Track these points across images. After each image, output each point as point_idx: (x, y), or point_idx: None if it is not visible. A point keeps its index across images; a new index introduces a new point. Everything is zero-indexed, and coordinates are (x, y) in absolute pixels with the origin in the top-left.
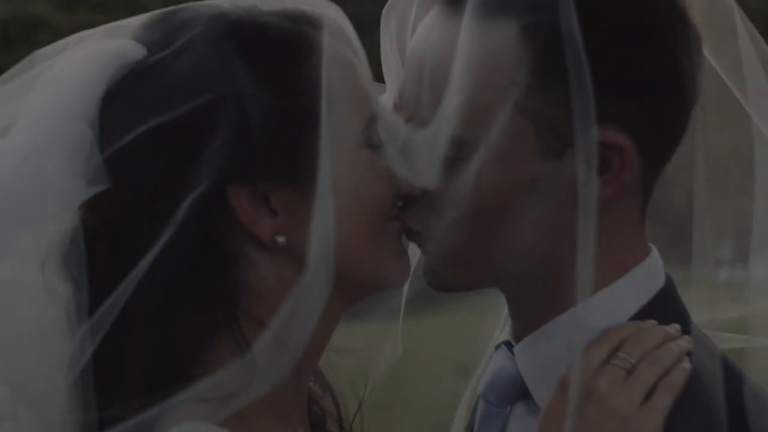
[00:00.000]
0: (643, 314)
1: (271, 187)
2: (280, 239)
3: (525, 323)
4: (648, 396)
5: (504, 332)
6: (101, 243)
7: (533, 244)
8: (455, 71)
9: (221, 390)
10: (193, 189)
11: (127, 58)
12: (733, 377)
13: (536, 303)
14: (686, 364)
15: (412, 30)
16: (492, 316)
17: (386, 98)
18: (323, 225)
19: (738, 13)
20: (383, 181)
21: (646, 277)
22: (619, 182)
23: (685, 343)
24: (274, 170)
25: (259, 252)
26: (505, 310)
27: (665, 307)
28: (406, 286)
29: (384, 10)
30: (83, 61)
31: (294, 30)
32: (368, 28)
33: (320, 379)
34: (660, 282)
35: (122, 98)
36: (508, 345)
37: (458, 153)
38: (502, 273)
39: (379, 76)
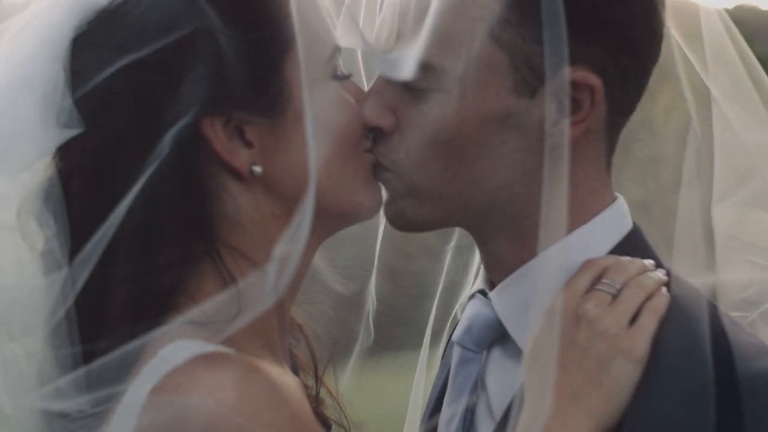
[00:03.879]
0: (615, 254)
1: (244, 117)
2: (257, 169)
3: (499, 267)
4: (633, 320)
5: (476, 283)
6: (79, 186)
7: (504, 181)
8: (436, 3)
9: (210, 316)
10: (168, 124)
11: (93, 3)
12: (710, 304)
13: (508, 245)
14: (665, 292)
15: None
16: None
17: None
18: (298, 155)
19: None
20: (350, 111)
21: (614, 221)
22: (587, 124)
23: (661, 274)
24: (244, 100)
25: (236, 183)
26: None
27: (635, 249)
28: None
29: None
30: (49, 6)
31: None
32: None
33: (299, 331)
34: (627, 226)
35: (91, 41)
36: (482, 293)
37: (432, 83)
38: (471, 210)
39: None
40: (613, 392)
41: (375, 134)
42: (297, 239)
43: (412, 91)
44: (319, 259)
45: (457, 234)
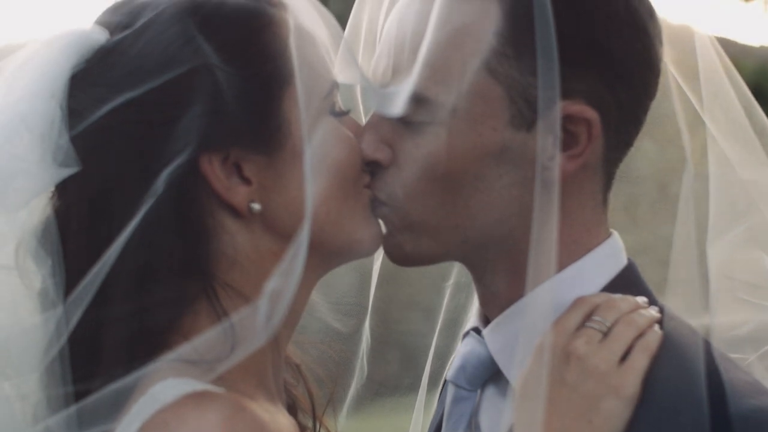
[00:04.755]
0: (608, 291)
1: (242, 154)
2: (255, 206)
3: (493, 302)
4: (624, 357)
5: (471, 321)
6: (75, 224)
7: (501, 215)
8: (430, 35)
9: (203, 354)
10: (165, 161)
11: (91, 41)
12: (704, 341)
13: (504, 280)
14: (658, 329)
15: (388, 9)
16: None
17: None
18: (297, 191)
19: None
20: (349, 147)
21: (609, 257)
22: (584, 158)
23: (654, 312)
24: (242, 137)
25: (235, 220)
26: None
27: (628, 285)
28: None
29: None
30: (47, 46)
31: (251, 4)
32: None
33: (296, 371)
34: (622, 263)
35: (88, 80)
36: (476, 331)
37: (428, 116)
38: (468, 244)
39: None
40: (603, 430)
41: (372, 168)
42: (290, 275)
43: (408, 124)
44: (315, 296)
45: (456, 271)
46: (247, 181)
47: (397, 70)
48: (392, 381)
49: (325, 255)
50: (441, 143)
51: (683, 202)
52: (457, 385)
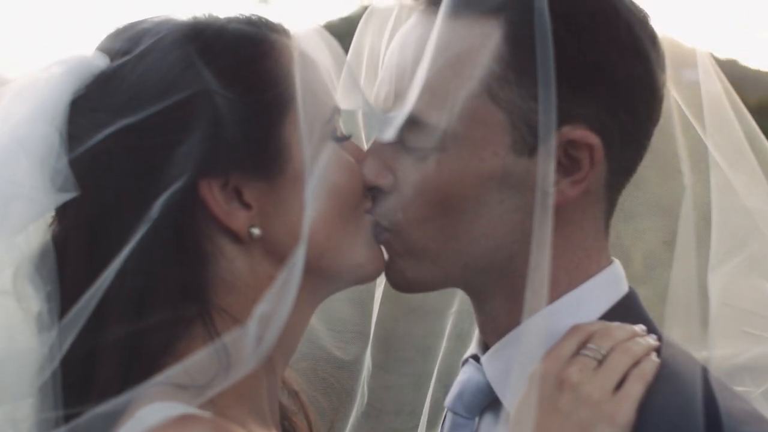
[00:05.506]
0: (607, 318)
1: (242, 179)
2: (255, 231)
3: (493, 329)
4: (619, 386)
5: (470, 348)
6: (74, 249)
7: (502, 241)
8: (431, 61)
9: (193, 378)
10: (164, 187)
11: (91, 67)
12: (702, 370)
13: (504, 306)
14: (655, 358)
15: (390, 36)
16: None
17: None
18: (297, 216)
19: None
20: (350, 172)
21: (609, 285)
22: (586, 183)
23: (651, 340)
24: (242, 162)
25: (234, 245)
26: None
27: (627, 313)
28: None
29: (363, 17)
30: (47, 71)
31: (253, 30)
32: None
33: (295, 398)
34: (623, 290)
35: (88, 105)
36: (475, 358)
37: (429, 142)
38: (470, 269)
39: None
40: None
41: (374, 194)
42: (284, 299)
43: (409, 150)
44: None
45: (458, 299)
46: (247, 206)
47: (399, 96)
48: (394, 408)
49: (325, 280)
50: (442, 168)
51: (683, 228)
52: (455, 413)
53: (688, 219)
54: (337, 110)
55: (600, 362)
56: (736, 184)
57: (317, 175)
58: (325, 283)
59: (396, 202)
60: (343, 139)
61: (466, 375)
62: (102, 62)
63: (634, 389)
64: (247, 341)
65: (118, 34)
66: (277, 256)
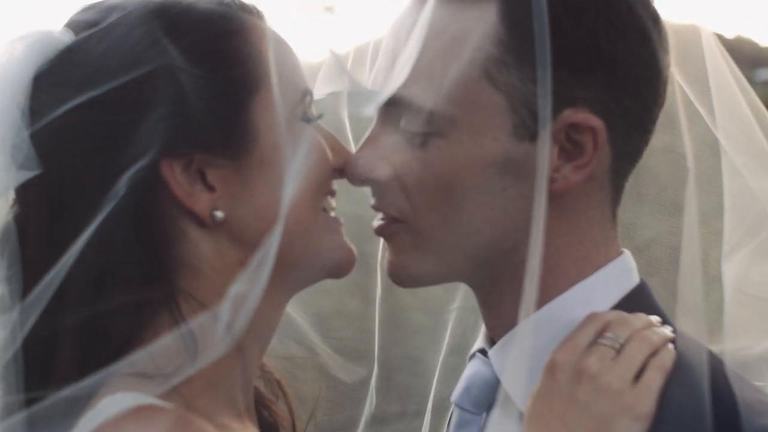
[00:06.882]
0: (618, 310)
1: (206, 160)
2: (219, 214)
3: (498, 322)
4: (638, 376)
5: (477, 342)
6: (34, 228)
7: (504, 229)
8: (428, 46)
9: (158, 366)
10: (126, 165)
11: (56, 42)
12: (716, 360)
13: (509, 298)
14: (672, 348)
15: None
16: None
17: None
18: (264, 199)
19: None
20: (319, 154)
21: (620, 275)
22: (590, 168)
23: (667, 330)
24: (207, 142)
25: (197, 228)
26: None
27: (639, 305)
28: None
29: None
30: (11, 45)
31: (222, 9)
32: None
33: (276, 387)
34: (633, 281)
35: (51, 80)
36: (482, 352)
37: (428, 128)
38: (473, 261)
39: None
40: None
41: (372, 186)
42: (255, 283)
43: (407, 138)
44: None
45: (462, 295)
46: (210, 187)
47: (395, 82)
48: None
49: (296, 268)
50: (442, 155)
51: (687, 212)
52: (462, 408)
53: (692, 206)
54: (308, 92)
55: (618, 351)
56: (746, 168)
57: (286, 157)
58: (296, 271)
59: (398, 191)
60: (313, 120)
61: (472, 369)
62: (67, 38)
63: (654, 379)
64: (216, 327)
65: (86, 9)
66: (244, 240)
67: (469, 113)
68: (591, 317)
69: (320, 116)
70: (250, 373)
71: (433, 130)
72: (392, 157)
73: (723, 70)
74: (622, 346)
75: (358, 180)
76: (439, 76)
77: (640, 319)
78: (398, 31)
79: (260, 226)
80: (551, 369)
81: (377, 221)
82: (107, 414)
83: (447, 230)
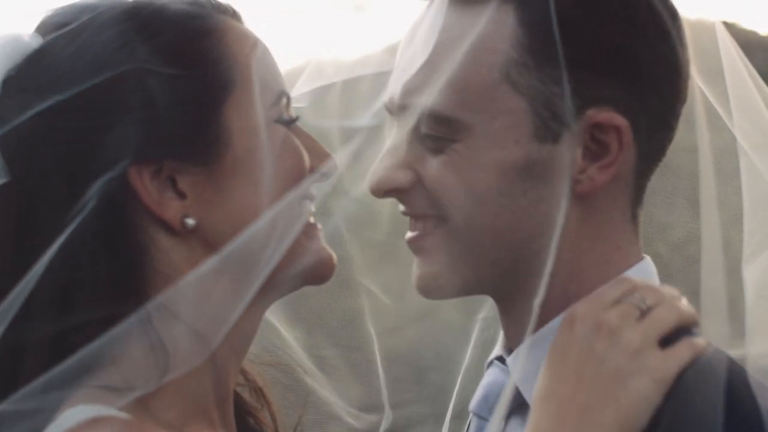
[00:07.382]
0: None
1: (177, 166)
2: (190, 221)
3: (519, 330)
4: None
5: (495, 350)
6: (1, 240)
7: (526, 234)
8: (446, 50)
9: (126, 380)
10: (93, 172)
11: (24, 46)
12: (739, 367)
13: (530, 307)
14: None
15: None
16: None
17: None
18: (238, 205)
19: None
20: (295, 158)
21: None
22: (616, 168)
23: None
24: (177, 148)
25: (168, 237)
26: None
27: None
28: None
29: None
30: None
31: (195, 9)
32: None
33: (260, 395)
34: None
35: (17, 85)
36: (500, 360)
37: (449, 133)
38: (497, 268)
39: None
40: (630, 411)
41: (398, 196)
42: (227, 296)
43: (429, 143)
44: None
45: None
46: (181, 194)
47: (414, 89)
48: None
49: (273, 276)
50: (463, 160)
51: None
52: (479, 417)
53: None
54: (284, 94)
55: (643, 313)
56: (763, 166)
57: (260, 161)
58: (273, 279)
59: (424, 195)
60: (290, 122)
61: (490, 377)
62: (36, 42)
63: (684, 353)
64: (189, 340)
65: (56, 12)
66: (218, 247)
67: (490, 117)
68: (621, 279)
69: (297, 118)
70: (226, 383)
71: (454, 135)
72: (414, 164)
73: (738, 67)
74: (649, 308)
75: (380, 191)
76: (459, 82)
77: (671, 290)
78: (414, 39)
79: (234, 232)
80: (570, 321)
81: (409, 234)
82: (65, 426)
83: (472, 236)
